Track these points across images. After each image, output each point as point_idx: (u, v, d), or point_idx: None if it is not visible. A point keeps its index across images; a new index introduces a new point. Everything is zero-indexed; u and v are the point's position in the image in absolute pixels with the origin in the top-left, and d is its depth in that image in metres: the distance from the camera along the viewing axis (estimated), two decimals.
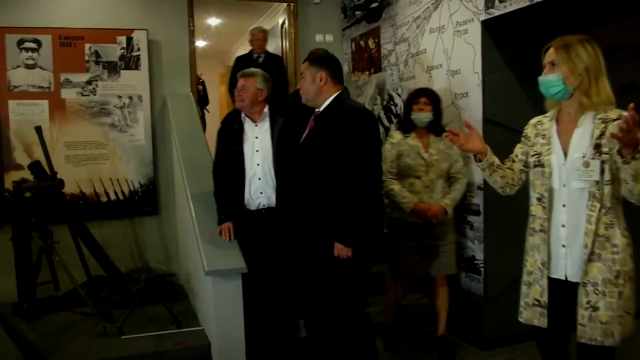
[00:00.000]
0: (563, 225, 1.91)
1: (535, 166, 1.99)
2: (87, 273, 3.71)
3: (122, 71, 4.23)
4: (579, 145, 1.88)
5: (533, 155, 2.02)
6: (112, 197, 4.23)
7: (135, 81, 4.25)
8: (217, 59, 9.27)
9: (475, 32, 3.27)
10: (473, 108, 3.33)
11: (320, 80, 2.47)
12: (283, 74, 4.75)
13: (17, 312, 3.61)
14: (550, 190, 1.94)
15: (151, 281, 3.42)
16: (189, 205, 3.24)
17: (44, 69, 4.09)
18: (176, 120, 4.02)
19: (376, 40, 4.37)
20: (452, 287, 3.32)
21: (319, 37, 4.84)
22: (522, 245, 2.12)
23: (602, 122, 1.83)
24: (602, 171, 1.82)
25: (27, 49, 4.06)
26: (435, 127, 3.20)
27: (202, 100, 6.55)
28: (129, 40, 4.23)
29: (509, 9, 3.00)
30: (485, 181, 3.26)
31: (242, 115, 3.04)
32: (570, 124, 1.92)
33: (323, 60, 2.51)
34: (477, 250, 3.34)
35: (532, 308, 1.99)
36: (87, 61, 4.16)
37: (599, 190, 1.82)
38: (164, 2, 4.36)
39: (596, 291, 1.84)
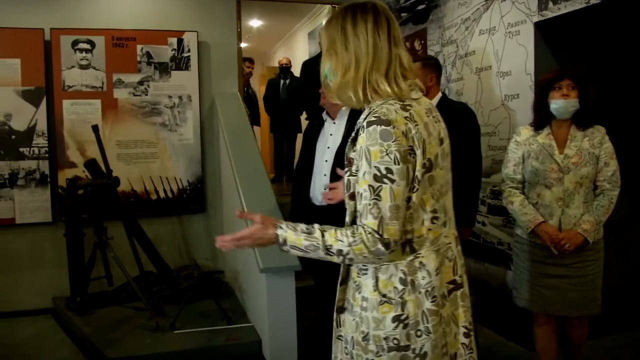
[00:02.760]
0: None
1: None
2: (140, 269, 3.80)
3: (172, 72, 4.33)
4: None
5: None
6: (162, 195, 4.33)
7: (185, 81, 4.35)
8: (258, 61, 9.39)
9: (527, 34, 3.24)
10: (524, 109, 3.30)
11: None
12: None
13: (70, 306, 3.74)
14: None
15: (202, 278, 3.49)
16: (241, 203, 3.29)
17: (97, 70, 4.22)
18: (225, 120, 4.09)
19: (422, 42, 4.36)
20: (500, 288, 3.29)
21: None
22: None
23: (356, 129, 1.36)
24: (352, 195, 1.36)
25: (81, 50, 4.19)
26: (582, 119, 2.48)
27: (252, 111, 6.09)
28: (180, 41, 4.33)
29: (563, 10, 2.97)
30: None
31: (324, 112, 3.09)
32: None
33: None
34: None
35: None
36: (139, 62, 4.28)
37: (349, 222, 1.38)
38: (214, 4, 4.45)
39: (346, 350, 1.42)
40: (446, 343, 1.38)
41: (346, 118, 3.03)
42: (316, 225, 1.33)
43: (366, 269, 1.37)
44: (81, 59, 4.19)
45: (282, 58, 6.40)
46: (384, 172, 1.25)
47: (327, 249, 1.30)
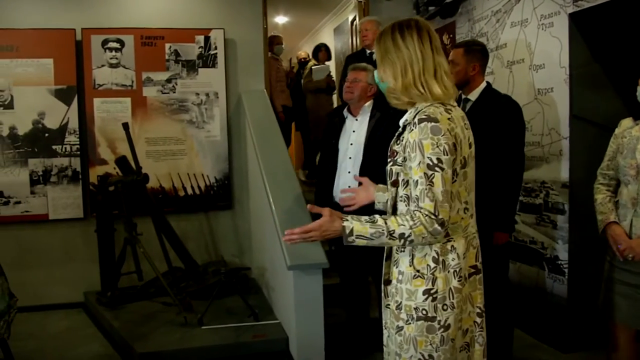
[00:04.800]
0: None
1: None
2: (169, 264, 3.84)
3: (200, 69, 4.34)
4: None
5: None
6: (189, 191, 4.36)
7: (212, 79, 4.36)
8: (284, 57, 9.40)
9: (561, 25, 3.14)
10: (558, 104, 3.20)
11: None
12: None
13: (101, 301, 3.80)
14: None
15: (230, 274, 3.50)
16: (268, 200, 3.29)
17: (126, 68, 4.27)
18: (252, 116, 4.09)
19: (451, 35, 4.28)
20: (533, 288, 3.21)
21: None
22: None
23: (403, 124, 1.60)
24: (395, 183, 1.58)
25: (110, 49, 4.25)
26: None
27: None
28: (207, 39, 4.35)
29: (600, 1, 2.86)
30: (571, 179, 3.14)
31: (346, 108, 3.07)
32: None
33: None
34: (561, 250, 3.22)
35: None
36: (167, 60, 4.31)
37: (391, 206, 1.61)
38: (240, 1, 4.45)
39: (387, 317, 1.67)
40: (462, 319, 1.58)
41: (369, 115, 3.00)
42: (377, 215, 1.50)
43: (404, 247, 1.55)
44: (111, 58, 4.25)
45: (301, 52, 6.33)
46: (435, 161, 1.45)
47: (391, 234, 1.46)
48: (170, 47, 4.31)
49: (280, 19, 7.44)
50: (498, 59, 3.72)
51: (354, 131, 3.00)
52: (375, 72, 1.66)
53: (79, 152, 4.19)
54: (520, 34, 3.50)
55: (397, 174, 1.56)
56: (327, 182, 3.02)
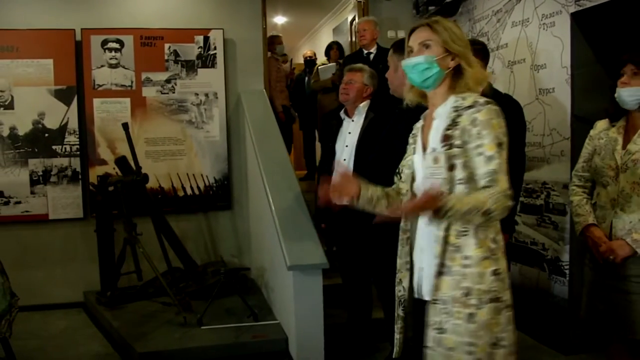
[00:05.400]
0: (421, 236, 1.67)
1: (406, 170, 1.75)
2: (168, 264, 3.84)
3: (199, 69, 4.34)
4: (434, 138, 1.63)
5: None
6: (189, 191, 4.36)
7: (211, 79, 4.36)
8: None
9: (563, 25, 3.13)
10: (560, 104, 3.19)
11: None
12: None
13: (100, 301, 3.80)
14: (413, 197, 1.67)
15: (229, 274, 3.50)
16: (268, 200, 3.28)
17: (126, 68, 4.27)
18: (251, 116, 4.08)
19: None
20: (534, 289, 3.20)
21: (390, 34, 4.78)
22: None
23: (455, 111, 1.58)
24: (451, 167, 1.55)
25: (110, 49, 4.25)
26: None
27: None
28: (206, 39, 4.34)
29: (595, 3, 2.85)
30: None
31: (342, 110, 3.05)
32: (431, 116, 1.69)
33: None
34: (562, 251, 3.21)
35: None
36: (167, 60, 4.31)
37: (448, 190, 1.55)
38: (239, 1, 4.45)
39: (444, 310, 1.55)
40: None
41: (364, 116, 2.98)
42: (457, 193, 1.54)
43: (466, 231, 1.54)
44: (110, 58, 4.25)
45: (307, 51, 6.30)
46: (502, 139, 1.53)
47: (481, 210, 1.47)
48: (170, 47, 4.31)
49: (280, 19, 7.44)
50: (499, 59, 3.71)
51: (349, 133, 2.99)
52: (423, 57, 1.61)
53: (78, 152, 4.19)
54: (521, 34, 3.49)
55: (453, 157, 1.55)
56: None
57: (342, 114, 3.06)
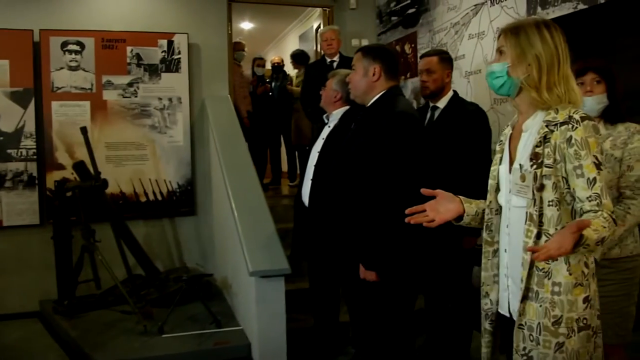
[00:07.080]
0: (505, 251, 1.58)
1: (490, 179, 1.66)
2: (128, 271, 3.77)
3: (163, 74, 4.31)
4: (523, 153, 1.52)
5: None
6: (151, 197, 4.31)
7: (175, 83, 4.33)
8: (248, 64, 9.37)
9: None
10: (512, 113, 3.31)
11: (374, 74, 2.29)
12: None
13: (57, 310, 3.70)
14: (498, 208, 1.62)
15: (191, 281, 3.47)
16: (231, 206, 3.28)
17: (86, 71, 4.19)
18: (215, 122, 4.08)
19: (412, 45, 4.38)
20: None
21: (354, 42, 4.86)
22: None
23: (547, 126, 1.46)
24: (541, 187, 1.45)
25: (70, 51, 4.16)
26: (610, 115, 2.21)
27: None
28: (170, 43, 4.32)
29: (552, 15, 2.99)
30: None
31: (325, 115, 3.04)
32: (521, 126, 1.57)
33: (377, 52, 2.34)
34: None
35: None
36: (129, 64, 4.25)
37: (536, 211, 1.45)
38: (204, 6, 4.44)
39: (531, 337, 1.48)
40: None
41: (336, 122, 2.98)
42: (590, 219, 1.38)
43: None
44: (70, 61, 4.17)
45: (274, 57, 6.33)
46: (600, 160, 1.43)
47: (607, 239, 1.38)
48: (132, 50, 4.25)
49: (246, 25, 7.44)
50: (457, 69, 3.82)
51: (323, 138, 2.98)
52: (495, 65, 1.55)
53: (35, 157, 4.08)
54: (477, 46, 3.61)
55: (543, 176, 1.44)
56: (300, 188, 3.01)
57: (325, 117, 3.04)
